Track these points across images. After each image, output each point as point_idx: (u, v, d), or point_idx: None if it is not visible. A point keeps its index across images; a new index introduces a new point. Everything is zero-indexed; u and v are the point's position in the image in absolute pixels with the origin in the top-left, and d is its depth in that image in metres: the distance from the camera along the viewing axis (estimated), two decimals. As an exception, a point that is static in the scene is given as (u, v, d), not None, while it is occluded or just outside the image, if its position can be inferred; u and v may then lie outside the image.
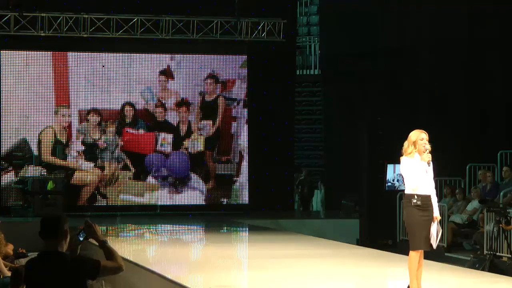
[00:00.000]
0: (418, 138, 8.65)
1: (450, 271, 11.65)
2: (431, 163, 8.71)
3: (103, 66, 21.52)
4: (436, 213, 8.74)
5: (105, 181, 21.48)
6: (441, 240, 16.15)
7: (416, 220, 8.62)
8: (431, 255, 14.51)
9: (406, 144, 8.74)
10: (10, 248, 12.59)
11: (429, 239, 8.67)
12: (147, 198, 21.75)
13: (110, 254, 5.68)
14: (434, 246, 8.73)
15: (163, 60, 21.94)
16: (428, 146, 8.68)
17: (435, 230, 8.67)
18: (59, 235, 5.54)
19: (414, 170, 8.62)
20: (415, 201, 8.60)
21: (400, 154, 8.89)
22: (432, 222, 8.68)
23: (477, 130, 19.27)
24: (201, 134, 22.07)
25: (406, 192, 8.74)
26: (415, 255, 8.71)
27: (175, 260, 13.22)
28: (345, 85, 22.64)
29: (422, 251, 8.76)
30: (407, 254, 9.02)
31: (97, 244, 5.76)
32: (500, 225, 13.85)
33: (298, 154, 24.85)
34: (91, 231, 5.71)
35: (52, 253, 5.53)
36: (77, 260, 5.56)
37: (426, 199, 8.64)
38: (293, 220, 21.08)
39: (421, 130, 8.72)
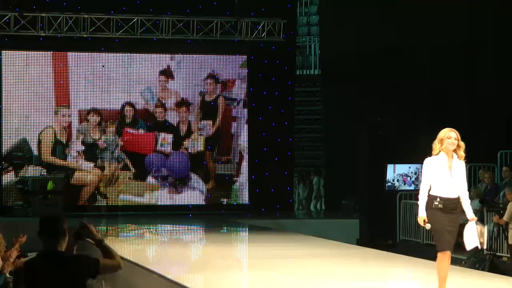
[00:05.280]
0: (446, 136, 8.25)
1: (450, 271, 11.63)
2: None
3: (103, 66, 21.53)
4: (471, 215, 8.38)
5: (105, 181, 21.49)
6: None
7: (438, 221, 8.24)
8: (431, 255, 14.57)
9: (435, 142, 8.33)
10: (14, 254, 12.52)
11: (452, 241, 8.28)
12: (147, 198, 21.75)
13: (107, 252, 5.73)
14: (468, 247, 8.40)
15: (163, 60, 21.94)
16: (455, 145, 8.25)
17: (474, 231, 8.36)
18: (58, 234, 5.57)
19: (433, 171, 8.26)
20: (436, 203, 8.22)
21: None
22: (469, 223, 8.35)
23: (477, 130, 19.25)
24: (201, 134, 22.07)
25: (430, 193, 8.32)
26: (441, 256, 8.36)
27: (175, 260, 13.21)
28: (345, 85, 22.62)
29: (449, 253, 8.36)
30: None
31: (93, 243, 5.78)
32: (496, 218, 13.80)
33: (298, 154, 24.84)
34: (86, 232, 5.75)
35: (52, 253, 5.55)
36: (77, 259, 5.59)
37: (449, 202, 8.25)
38: (293, 220, 21.09)
39: (450, 129, 8.28)
